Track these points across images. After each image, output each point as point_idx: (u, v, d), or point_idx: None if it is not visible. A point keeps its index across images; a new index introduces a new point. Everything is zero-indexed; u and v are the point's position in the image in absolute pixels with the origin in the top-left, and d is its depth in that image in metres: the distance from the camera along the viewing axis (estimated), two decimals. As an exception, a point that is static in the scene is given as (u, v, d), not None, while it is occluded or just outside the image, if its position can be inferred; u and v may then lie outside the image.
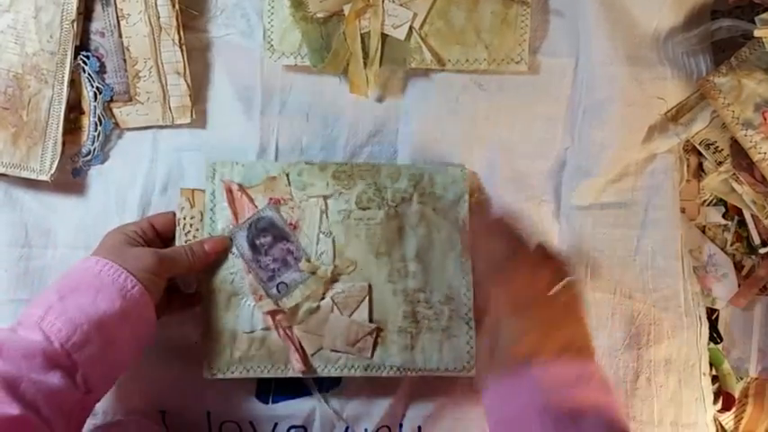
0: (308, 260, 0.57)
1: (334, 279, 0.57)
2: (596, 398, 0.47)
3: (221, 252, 0.56)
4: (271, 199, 0.57)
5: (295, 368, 0.56)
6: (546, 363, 0.48)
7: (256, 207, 0.57)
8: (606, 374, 0.50)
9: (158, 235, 0.57)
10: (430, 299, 0.57)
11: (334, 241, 0.57)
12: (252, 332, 0.57)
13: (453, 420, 0.61)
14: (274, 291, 0.57)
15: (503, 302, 0.52)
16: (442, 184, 0.58)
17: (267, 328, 0.57)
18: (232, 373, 0.57)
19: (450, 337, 0.57)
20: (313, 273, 0.57)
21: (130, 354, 0.52)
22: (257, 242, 0.57)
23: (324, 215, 0.57)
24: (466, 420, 0.61)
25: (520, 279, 0.53)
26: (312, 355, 0.57)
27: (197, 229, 0.58)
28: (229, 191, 0.57)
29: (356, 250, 0.57)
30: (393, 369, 0.57)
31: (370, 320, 0.57)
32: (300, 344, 0.56)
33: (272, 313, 0.56)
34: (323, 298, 0.57)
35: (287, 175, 0.58)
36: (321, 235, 0.57)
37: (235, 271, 0.57)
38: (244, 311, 0.57)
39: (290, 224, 0.57)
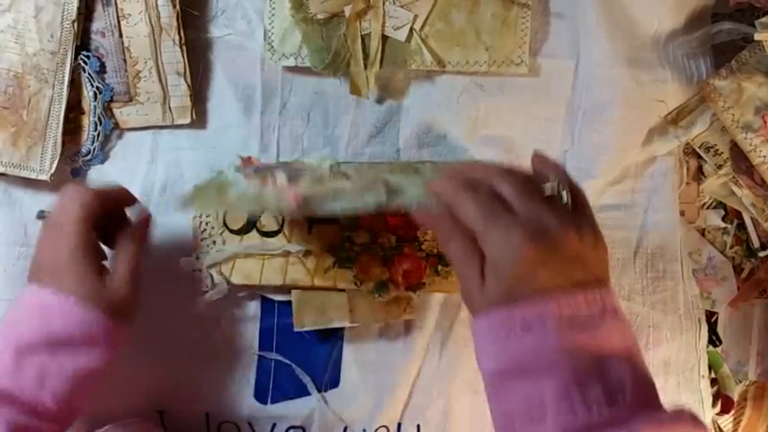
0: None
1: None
2: (622, 340, 0.38)
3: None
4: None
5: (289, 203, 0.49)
6: (560, 294, 0.38)
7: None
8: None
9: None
10: None
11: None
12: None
13: (452, 420, 0.61)
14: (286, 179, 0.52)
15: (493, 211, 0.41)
16: None
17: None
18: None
19: None
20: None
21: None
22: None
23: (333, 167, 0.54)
24: (465, 420, 0.61)
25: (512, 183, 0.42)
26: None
27: (212, 227, 0.59)
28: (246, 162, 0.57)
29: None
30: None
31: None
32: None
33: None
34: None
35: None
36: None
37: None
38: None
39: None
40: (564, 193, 0.41)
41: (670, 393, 0.60)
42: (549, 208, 0.40)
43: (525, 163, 0.61)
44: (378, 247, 0.58)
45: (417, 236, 0.58)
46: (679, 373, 0.61)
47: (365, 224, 0.59)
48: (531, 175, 0.44)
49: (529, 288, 0.38)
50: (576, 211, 0.42)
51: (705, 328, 0.61)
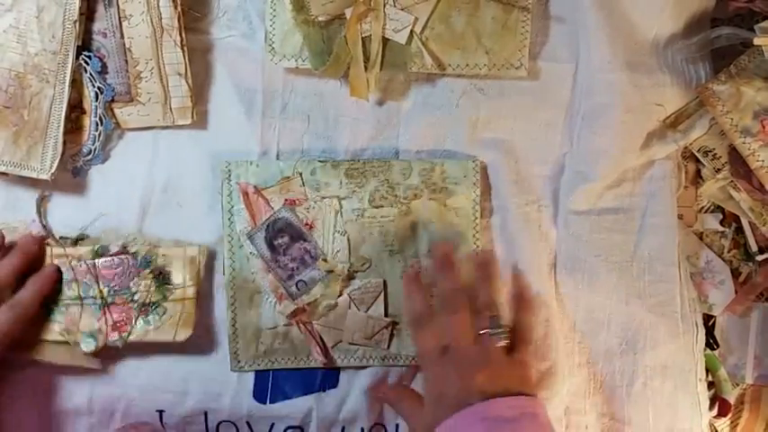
0: (325, 259, 0.60)
1: (350, 276, 0.60)
2: None
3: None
4: (286, 200, 0.60)
5: (317, 360, 0.60)
6: (489, 399, 0.47)
7: (272, 208, 0.59)
8: (549, 418, 0.49)
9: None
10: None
11: (348, 240, 0.60)
12: (275, 327, 0.60)
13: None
14: (294, 289, 0.60)
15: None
16: (453, 178, 0.60)
17: (289, 324, 0.60)
18: (258, 365, 0.61)
19: None
20: (330, 271, 0.60)
21: None
22: (275, 243, 0.60)
23: (338, 215, 0.60)
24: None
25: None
26: (332, 347, 0.60)
27: None
28: (246, 193, 0.59)
29: (370, 248, 0.60)
30: (409, 359, 0.61)
31: (386, 314, 0.60)
32: (321, 337, 0.60)
33: (293, 312, 0.60)
34: (340, 294, 0.60)
35: (300, 175, 0.59)
36: (336, 234, 0.60)
37: (255, 271, 0.60)
38: (266, 309, 0.60)
39: (306, 224, 0.60)
40: (501, 340, 0.52)
41: (667, 396, 0.61)
42: (471, 345, 0.52)
43: (524, 167, 0.62)
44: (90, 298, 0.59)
45: (130, 286, 0.60)
46: (676, 377, 0.61)
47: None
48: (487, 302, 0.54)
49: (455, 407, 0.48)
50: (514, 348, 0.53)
51: (702, 331, 0.62)
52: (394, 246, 0.60)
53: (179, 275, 0.60)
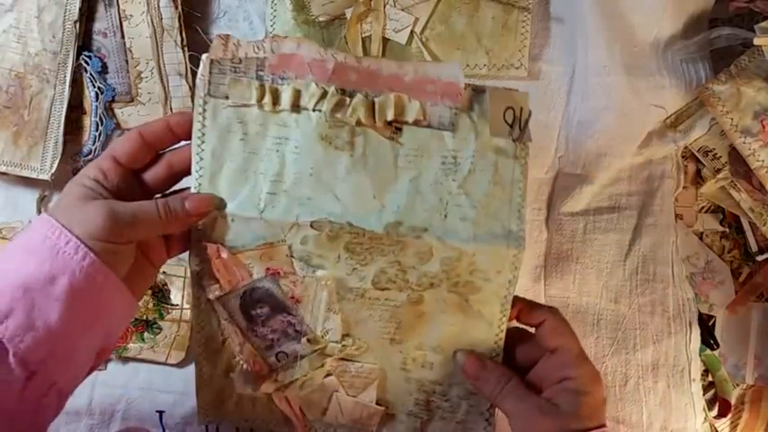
0: (312, 338, 0.48)
1: (341, 358, 0.48)
2: None
3: (207, 214, 0.43)
4: (268, 269, 0.46)
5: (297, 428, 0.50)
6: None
7: (251, 275, 0.46)
8: None
9: (129, 169, 0.44)
10: (447, 392, 0.49)
11: (342, 320, 0.47)
12: (250, 393, 0.50)
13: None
14: (273, 359, 0.49)
15: None
16: (483, 272, 0.45)
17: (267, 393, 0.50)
18: (229, 422, 0.51)
19: (465, 430, 0.49)
20: (317, 350, 0.48)
21: (86, 328, 0.41)
22: (252, 312, 0.47)
23: (333, 294, 0.46)
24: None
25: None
26: (312, 420, 0.51)
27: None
28: (217, 256, 0.45)
29: (367, 331, 0.48)
30: None
31: (378, 402, 0.50)
32: (301, 410, 0.50)
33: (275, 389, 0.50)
34: (328, 374, 0.49)
35: (288, 246, 0.45)
36: (328, 312, 0.47)
37: (227, 335, 0.48)
38: (239, 375, 0.49)
39: (292, 297, 0.47)
40: None
41: (659, 395, 0.61)
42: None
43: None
44: None
45: None
46: (669, 376, 0.61)
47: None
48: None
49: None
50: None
51: (697, 331, 0.62)
52: (396, 335, 0.47)
53: (177, 295, 0.59)
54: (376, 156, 0.44)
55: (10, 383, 0.37)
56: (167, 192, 0.46)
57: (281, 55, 0.43)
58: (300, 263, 0.45)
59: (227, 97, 0.43)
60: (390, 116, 0.43)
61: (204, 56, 0.43)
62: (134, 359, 0.61)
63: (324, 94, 0.43)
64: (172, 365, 0.61)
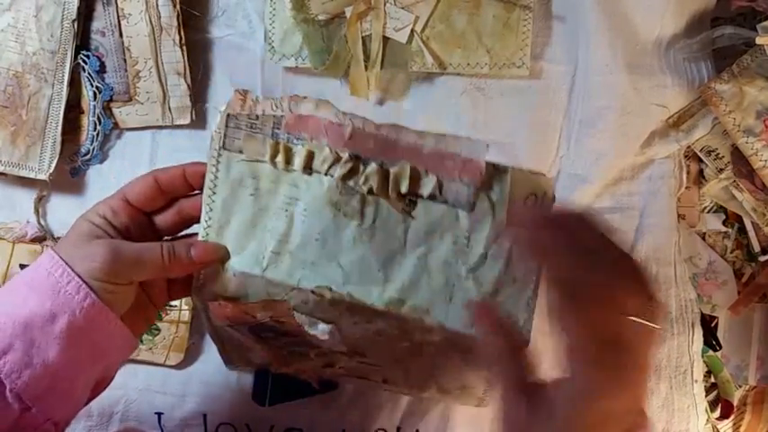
0: (320, 351, 0.49)
1: (350, 356, 0.50)
2: None
3: (211, 263, 0.43)
4: (272, 317, 0.46)
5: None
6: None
7: (255, 317, 0.46)
8: None
9: (139, 210, 0.44)
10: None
11: (348, 345, 0.47)
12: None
13: (451, 425, 0.61)
14: (285, 353, 0.51)
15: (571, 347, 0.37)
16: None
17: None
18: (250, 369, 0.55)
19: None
20: (326, 355, 0.50)
21: (84, 366, 0.41)
22: (262, 335, 0.48)
23: (336, 336, 0.46)
24: (465, 425, 0.61)
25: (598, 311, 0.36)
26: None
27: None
28: (221, 306, 0.45)
29: (374, 354, 0.48)
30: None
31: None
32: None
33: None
34: (340, 367, 0.51)
35: (291, 306, 0.44)
36: (334, 343, 0.47)
37: (241, 341, 0.50)
38: (256, 354, 0.52)
39: (299, 330, 0.46)
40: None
41: (662, 397, 0.60)
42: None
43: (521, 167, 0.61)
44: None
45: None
46: (671, 377, 0.61)
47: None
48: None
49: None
50: None
51: (699, 332, 0.61)
52: (402, 360, 0.49)
53: None
54: (385, 228, 0.43)
55: (5, 414, 0.38)
56: (175, 236, 0.46)
57: (299, 115, 0.43)
58: (302, 317, 0.45)
59: (241, 152, 0.43)
60: (405, 188, 0.42)
61: (222, 109, 0.43)
62: (133, 360, 0.60)
63: (337, 160, 0.42)
64: (170, 367, 0.61)
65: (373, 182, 0.42)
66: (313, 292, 0.43)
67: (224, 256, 0.43)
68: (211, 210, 0.44)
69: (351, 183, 0.42)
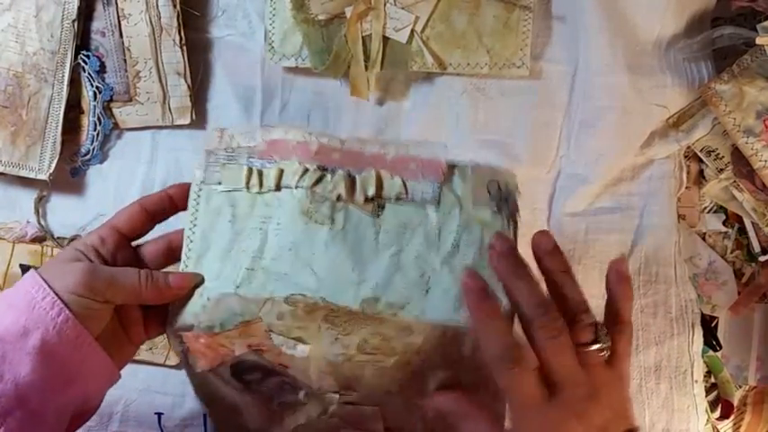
0: (310, 392, 0.48)
1: (342, 402, 0.48)
2: None
3: (186, 290, 0.43)
4: (250, 345, 0.45)
5: None
6: None
7: (233, 352, 0.45)
8: None
9: (127, 238, 0.45)
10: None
11: (335, 379, 0.46)
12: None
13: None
14: (275, 407, 0.49)
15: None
16: (469, 343, 0.43)
17: None
18: None
19: None
20: (315, 396, 0.48)
21: (58, 388, 0.40)
22: (245, 377, 0.47)
23: (320, 363, 0.45)
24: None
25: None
26: None
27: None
28: (196, 341, 0.44)
29: (363, 385, 0.46)
30: None
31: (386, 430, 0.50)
32: None
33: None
34: (332, 416, 0.49)
35: (266, 323, 0.43)
36: (320, 373, 0.46)
37: (226, 394, 0.49)
38: (248, 415, 0.50)
39: (280, 364, 0.46)
40: (604, 353, 0.40)
41: (662, 397, 0.60)
42: (585, 376, 0.39)
43: (522, 170, 0.61)
44: None
45: None
46: (671, 377, 0.61)
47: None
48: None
49: None
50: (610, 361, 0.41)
51: (700, 332, 0.61)
52: (392, 388, 0.46)
53: None
54: (356, 231, 0.44)
55: None
56: None
57: (270, 141, 0.45)
58: (280, 338, 0.44)
59: (219, 183, 0.45)
60: (371, 192, 0.44)
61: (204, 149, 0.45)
62: (133, 360, 0.60)
63: (305, 171, 0.44)
64: (170, 367, 0.61)
65: (341, 188, 0.43)
66: (286, 301, 0.42)
67: (200, 282, 0.44)
68: (192, 241, 0.45)
69: (319, 190, 0.44)
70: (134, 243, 0.47)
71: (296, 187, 0.44)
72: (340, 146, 0.45)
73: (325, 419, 0.49)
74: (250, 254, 0.43)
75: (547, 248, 0.43)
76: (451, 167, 0.45)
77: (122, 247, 0.45)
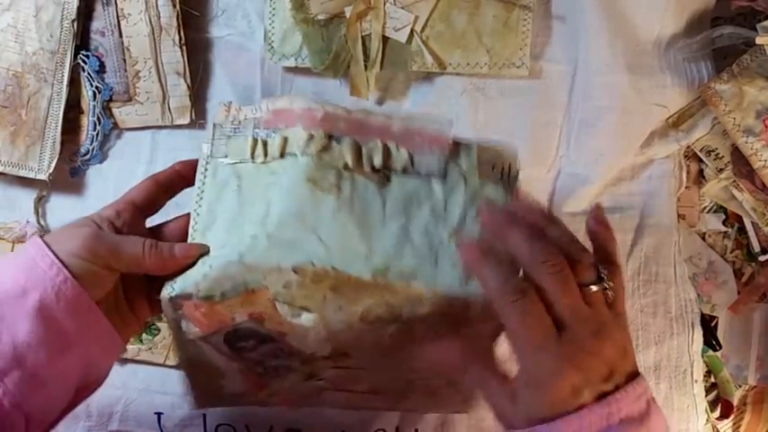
0: (302, 359, 0.46)
1: (333, 366, 0.47)
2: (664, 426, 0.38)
3: (191, 259, 0.42)
4: (251, 314, 0.43)
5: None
6: (593, 400, 0.36)
7: (233, 320, 0.43)
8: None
9: (143, 212, 0.45)
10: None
11: (333, 345, 0.45)
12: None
13: (450, 425, 0.61)
14: (261, 370, 0.48)
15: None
16: (476, 315, 0.42)
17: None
18: (226, 406, 0.53)
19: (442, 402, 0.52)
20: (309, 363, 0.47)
21: (57, 351, 0.39)
22: (238, 345, 0.45)
23: (321, 332, 0.44)
24: (464, 425, 0.61)
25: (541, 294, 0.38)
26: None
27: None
28: (195, 306, 0.42)
29: (359, 351, 0.46)
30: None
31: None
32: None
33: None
34: (319, 379, 0.49)
35: (271, 292, 0.42)
36: (317, 341, 0.44)
37: (214, 359, 0.47)
38: (230, 381, 0.49)
39: (279, 332, 0.44)
40: (609, 293, 0.39)
41: (662, 396, 0.60)
42: (591, 314, 0.38)
43: (521, 167, 0.61)
44: None
45: None
46: (671, 377, 0.61)
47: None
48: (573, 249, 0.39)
49: (570, 404, 0.36)
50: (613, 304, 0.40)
51: (699, 332, 0.61)
52: (388, 354, 0.46)
53: None
54: (363, 200, 0.43)
55: None
56: None
57: (275, 110, 0.45)
58: (284, 306, 0.42)
59: (226, 156, 0.45)
60: (378, 162, 0.43)
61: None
62: (132, 360, 0.60)
63: (311, 138, 0.43)
64: (170, 367, 0.61)
65: (348, 157, 0.43)
66: (294, 270, 0.40)
67: (206, 253, 0.42)
68: (198, 215, 0.44)
69: (326, 157, 0.43)
70: (154, 224, 0.46)
71: (302, 154, 0.43)
72: (346, 115, 0.44)
73: (311, 383, 0.48)
74: (255, 222, 0.42)
75: (526, 208, 0.42)
76: (456, 144, 0.45)
77: (137, 222, 0.44)
